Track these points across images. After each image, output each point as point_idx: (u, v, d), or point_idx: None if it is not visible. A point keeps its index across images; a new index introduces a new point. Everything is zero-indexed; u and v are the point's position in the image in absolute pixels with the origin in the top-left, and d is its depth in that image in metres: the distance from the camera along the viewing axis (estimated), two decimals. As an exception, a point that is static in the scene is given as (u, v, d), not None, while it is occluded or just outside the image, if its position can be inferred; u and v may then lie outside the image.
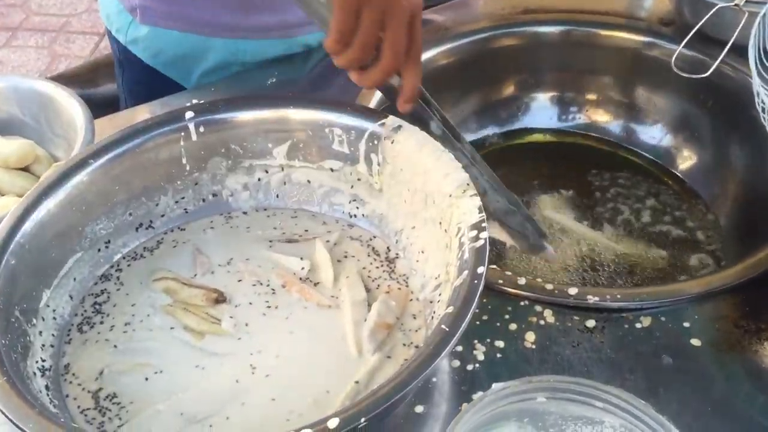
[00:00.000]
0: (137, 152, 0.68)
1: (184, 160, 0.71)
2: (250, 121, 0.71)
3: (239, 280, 0.67)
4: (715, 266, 0.80)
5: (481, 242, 0.57)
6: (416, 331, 0.63)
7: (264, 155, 0.73)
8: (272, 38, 0.94)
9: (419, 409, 0.60)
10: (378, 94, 0.91)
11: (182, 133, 0.70)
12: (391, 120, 0.68)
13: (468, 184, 0.62)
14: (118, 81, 1.06)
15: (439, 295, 0.63)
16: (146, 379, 0.60)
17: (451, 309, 0.53)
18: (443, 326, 0.51)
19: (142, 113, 0.88)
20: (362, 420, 0.46)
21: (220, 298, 0.65)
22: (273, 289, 0.67)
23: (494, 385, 0.44)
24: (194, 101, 0.78)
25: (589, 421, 0.44)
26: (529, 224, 0.73)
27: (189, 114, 0.70)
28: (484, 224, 0.58)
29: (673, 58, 0.83)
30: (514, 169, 0.93)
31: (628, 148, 0.96)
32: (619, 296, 0.67)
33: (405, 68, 0.63)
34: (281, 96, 0.72)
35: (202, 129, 0.70)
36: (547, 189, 0.90)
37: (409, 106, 0.64)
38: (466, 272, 0.55)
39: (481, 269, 0.55)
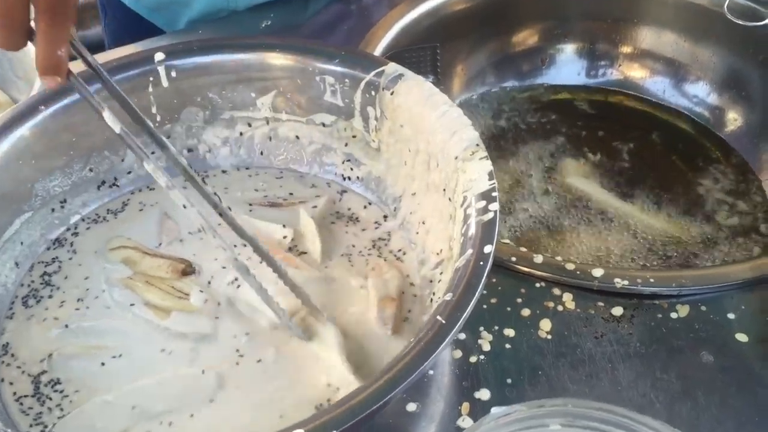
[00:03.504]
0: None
1: (153, 109, 0.62)
2: (230, 67, 0.62)
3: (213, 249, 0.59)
4: (765, 247, 0.70)
5: (490, 215, 0.48)
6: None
7: (246, 106, 0.64)
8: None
9: (411, 407, 0.51)
10: (385, 40, 0.81)
11: (151, 78, 0.61)
12: (392, 68, 0.58)
13: (478, 145, 0.52)
14: (102, 26, 0.97)
15: (440, 273, 0.54)
16: (102, 364, 0.52)
17: (449, 296, 0.44)
18: (439, 317, 0.42)
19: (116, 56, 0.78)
20: (333, 433, 0.37)
21: (188, 270, 0.57)
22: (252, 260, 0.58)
23: (493, 410, 0.35)
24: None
25: (615, 453, 0.35)
26: None
27: (159, 56, 0.61)
28: (494, 193, 0.49)
29: (726, 4, 0.72)
30: (536, 129, 0.83)
31: (666, 108, 0.85)
32: (652, 280, 0.57)
33: (38, 26, 0.43)
34: (266, 39, 0.62)
35: (174, 74, 0.61)
36: (572, 152, 0.80)
37: (49, 79, 0.45)
38: (470, 251, 0.46)
39: (488, 248, 0.46)
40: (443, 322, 0.42)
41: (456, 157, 0.52)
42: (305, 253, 0.58)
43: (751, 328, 0.55)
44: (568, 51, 0.88)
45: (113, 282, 0.56)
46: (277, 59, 0.61)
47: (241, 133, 0.65)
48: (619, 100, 0.87)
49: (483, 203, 0.48)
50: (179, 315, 0.54)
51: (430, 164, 0.56)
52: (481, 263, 0.45)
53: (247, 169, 0.66)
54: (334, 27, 0.88)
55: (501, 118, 0.84)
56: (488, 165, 0.50)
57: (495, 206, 0.48)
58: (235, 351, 0.52)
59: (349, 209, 0.62)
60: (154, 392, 0.50)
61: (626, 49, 0.87)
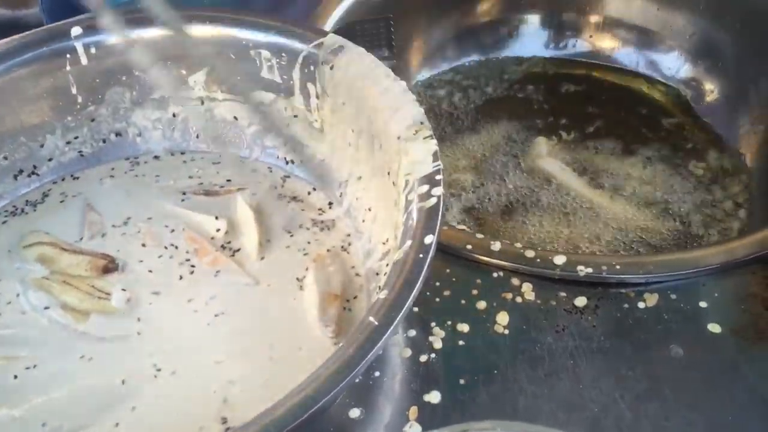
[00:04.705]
0: (7, 79, 0.54)
1: (73, 90, 0.57)
2: (157, 41, 0.56)
3: (142, 244, 0.54)
4: (742, 229, 0.65)
5: (432, 201, 0.43)
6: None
7: (178, 85, 0.58)
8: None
9: (355, 413, 0.46)
10: (338, 12, 0.76)
11: (68, 56, 0.56)
12: (331, 39, 0.53)
13: (422, 123, 0.47)
14: (39, 4, 0.91)
15: (387, 265, 0.49)
16: (15, 377, 0.47)
17: (385, 294, 0.39)
18: (371, 318, 0.37)
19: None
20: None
21: (109, 266, 0.52)
22: (186, 257, 0.53)
23: (408, 440, 0.30)
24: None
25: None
26: None
27: (76, 31, 0.55)
28: (438, 176, 0.44)
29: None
30: (500, 106, 0.78)
31: (638, 80, 0.81)
32: (618, 267, 0.53)
33: None
34: (194, 10, 0.56)
35: (94, 50, 0.56)
36: (539, 130, 0.75)
37: None
38: (409, 242, 0.41)
39: (429, 238, 0.41)
40: (375, 323, 0.37)
41: (399, 137, 0.47)
42: (239, 250, 0.53)
43: (725, 318, 0.51)
44: (533, 21, 0.83)
45: (28, 284, 0.51)
46: (207, 32, 0.56)
47: (174, 114, 0.60)
48: (589, 72, 0.82)
49: (426, 188, 0.43)
50: (99, 317, 0.49)
51: (374, 145, 0.51)
52: (421, 256, 0.40)
53: (182, 153, 0.61)
54: (287, 1, 0.82)
55: (463, 95, 0.79)
56: (433, 145, 0.45)
57: (438, 191, 0.43)
58: (158, 355, 0.47)
59: (291, 195, 0.57)
60: (66, 406, 0.45)
61: (595, 18, 0.82)
